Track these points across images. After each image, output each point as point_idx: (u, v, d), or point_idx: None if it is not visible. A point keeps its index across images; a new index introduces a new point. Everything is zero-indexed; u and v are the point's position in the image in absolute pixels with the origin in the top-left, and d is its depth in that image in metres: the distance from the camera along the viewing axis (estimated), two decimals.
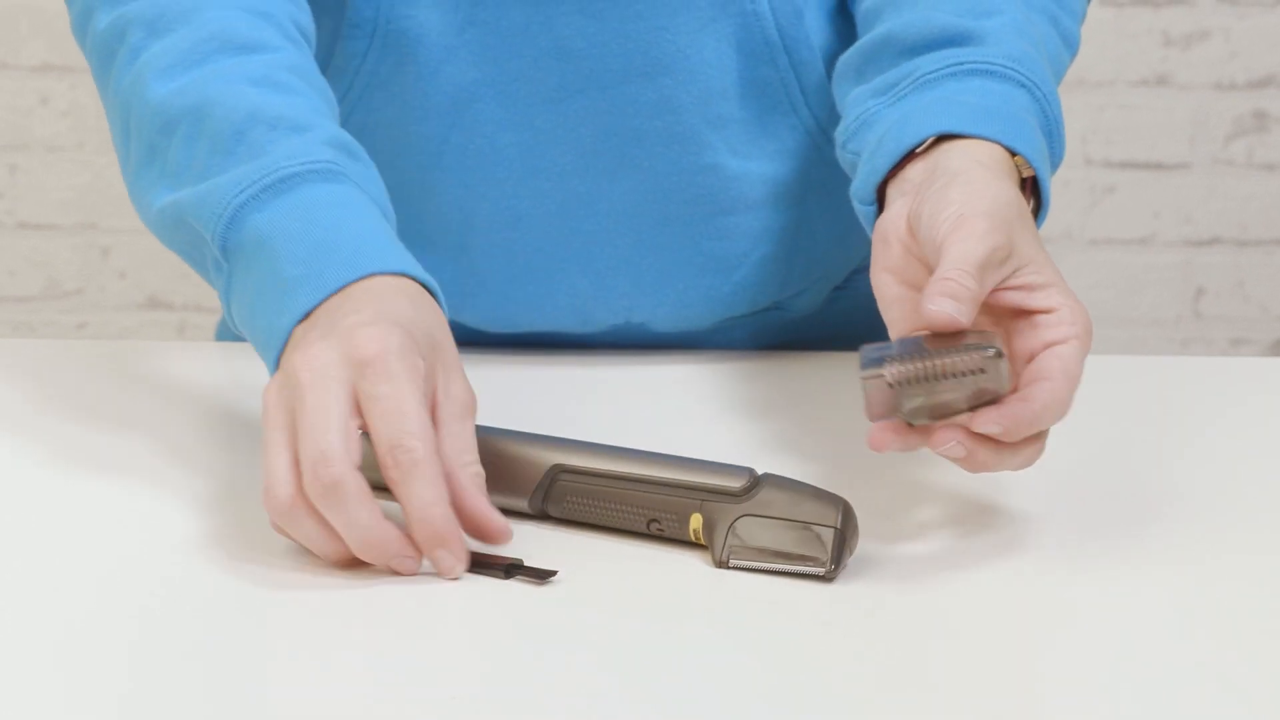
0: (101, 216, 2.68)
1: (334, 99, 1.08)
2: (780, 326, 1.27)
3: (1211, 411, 1.16)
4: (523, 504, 0.96)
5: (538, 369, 1.21)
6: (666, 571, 0.92)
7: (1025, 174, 1.02)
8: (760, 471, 0.93)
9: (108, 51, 1.09)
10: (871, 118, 1.06)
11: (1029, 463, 0.94)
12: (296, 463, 0.90)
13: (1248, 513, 1.01)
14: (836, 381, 1.19)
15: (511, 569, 0.90)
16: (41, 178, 2.68)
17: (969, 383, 0.91)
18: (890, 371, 0.91)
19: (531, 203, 1.19)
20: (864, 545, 0.92)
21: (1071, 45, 1.15)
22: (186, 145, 1.02)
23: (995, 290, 0.95)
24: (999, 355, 0.91)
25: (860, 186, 1.03)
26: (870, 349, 0.93)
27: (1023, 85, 1.05)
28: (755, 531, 0.91)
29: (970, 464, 0.92)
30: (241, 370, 1.20)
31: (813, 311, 1.27)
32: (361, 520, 0.89)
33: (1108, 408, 1.15)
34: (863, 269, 1.27)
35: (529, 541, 0.94)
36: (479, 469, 0.92)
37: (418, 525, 0.90)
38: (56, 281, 2.71)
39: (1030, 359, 0.94)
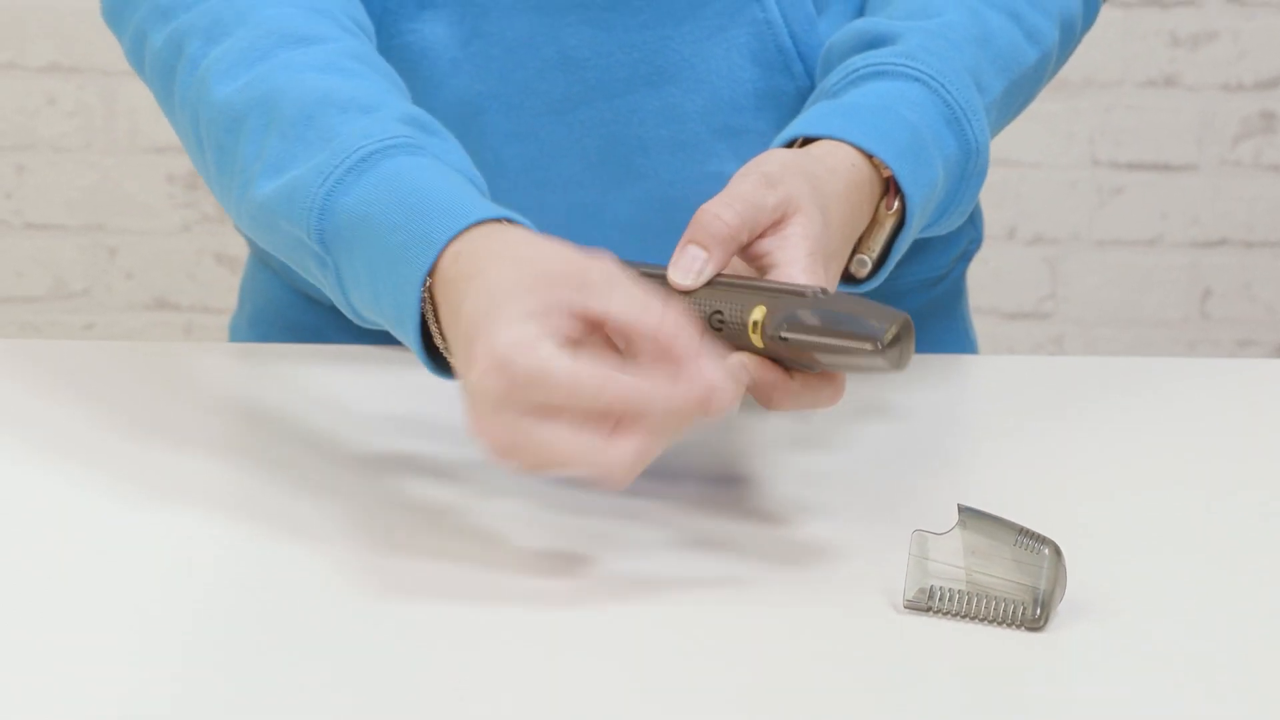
0: (108, 217, 2.69)
1: (401, 83, 1.07)
2: None
3: (1218, 413, 1.16)
4: None
5: None
6: (692, 566, 0.92)
7: (885, 174, 1.04)
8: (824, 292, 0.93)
9: (167, 69, 1.08)
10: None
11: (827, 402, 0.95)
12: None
13: (1254, 514, 1.01)
14: None
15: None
16: (48, 178, 2.68)
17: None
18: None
19: (538, 214, 1.18)
20: (882, 532, 0.92)
21: (1038, 40, 1.16)
22: (256, 138, 1.02)
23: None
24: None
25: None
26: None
27: (917, 80, 1.07)
28: (813, 319, 0.91)
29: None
30: (249, 371, 1.20)
31: None
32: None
33: (1114, 409, 1.15)
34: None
35: (557, 534, 0.94)
36: (670, 323, 0.89)
37: (688, 407, 0.87)
38: (63, 282, 2.71)
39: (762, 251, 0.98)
